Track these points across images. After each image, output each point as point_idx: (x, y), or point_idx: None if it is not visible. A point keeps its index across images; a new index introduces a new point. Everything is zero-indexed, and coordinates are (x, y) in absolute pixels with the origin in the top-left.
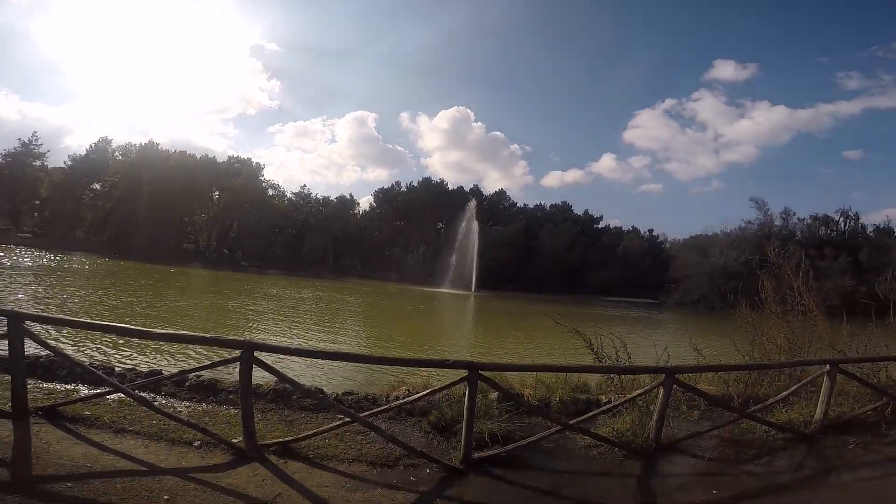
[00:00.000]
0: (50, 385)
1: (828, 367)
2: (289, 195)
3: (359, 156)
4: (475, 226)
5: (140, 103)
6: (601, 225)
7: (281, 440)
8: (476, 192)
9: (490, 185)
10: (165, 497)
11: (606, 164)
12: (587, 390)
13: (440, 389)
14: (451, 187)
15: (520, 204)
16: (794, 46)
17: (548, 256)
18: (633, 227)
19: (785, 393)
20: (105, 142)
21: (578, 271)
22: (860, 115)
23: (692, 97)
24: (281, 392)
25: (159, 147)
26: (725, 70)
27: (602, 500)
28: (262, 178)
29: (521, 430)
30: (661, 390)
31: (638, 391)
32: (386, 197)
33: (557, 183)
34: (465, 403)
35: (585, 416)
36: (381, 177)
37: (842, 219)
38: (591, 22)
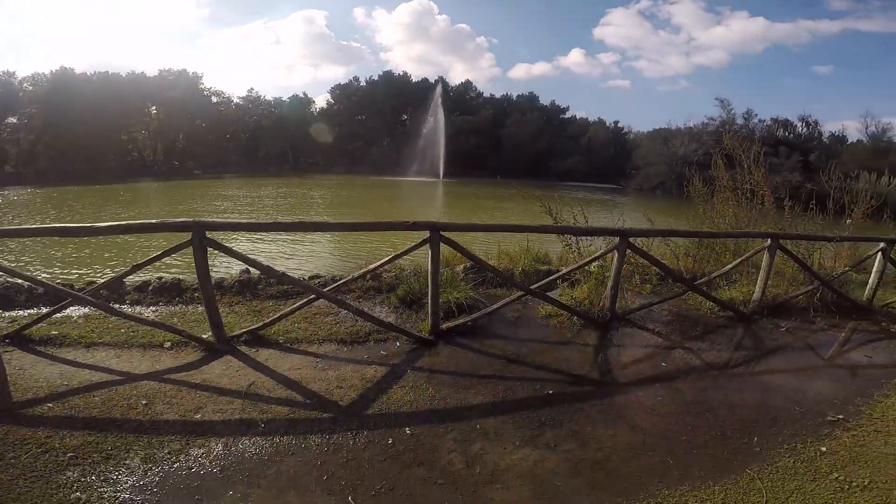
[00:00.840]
0: (11, 313)
1: (769, 241)
2: (236, 100)
3: (310, 55)
4: (441, 114)
5: (44, 30)
6: (567, 115)
7: (250, 328)
8: (441, 83)
9: (456, 77)
10: (143, 402)
11: (575, 58)
12: (548, 261)
13: (403, 253)
14: (414, 80)
15: (486, 94)
16: None
17: (514, 144)
18: (598, 118)
19: (729, 266)
20: (7, 75)
21: (544, 159)
22: (839, 35)
23: (669, 0)
24: (246, 283)
25: (74, 72)
26: None
27: (563, 369)
28: (203, 87)
29: (487, 300)
30: (616, 254)
31: (594, 255)
32: (344, 93)
33: (525, 75)
34: (429, 267)
35: (545, 281)
36: (337, 74)
37: (801, 124)
38: None
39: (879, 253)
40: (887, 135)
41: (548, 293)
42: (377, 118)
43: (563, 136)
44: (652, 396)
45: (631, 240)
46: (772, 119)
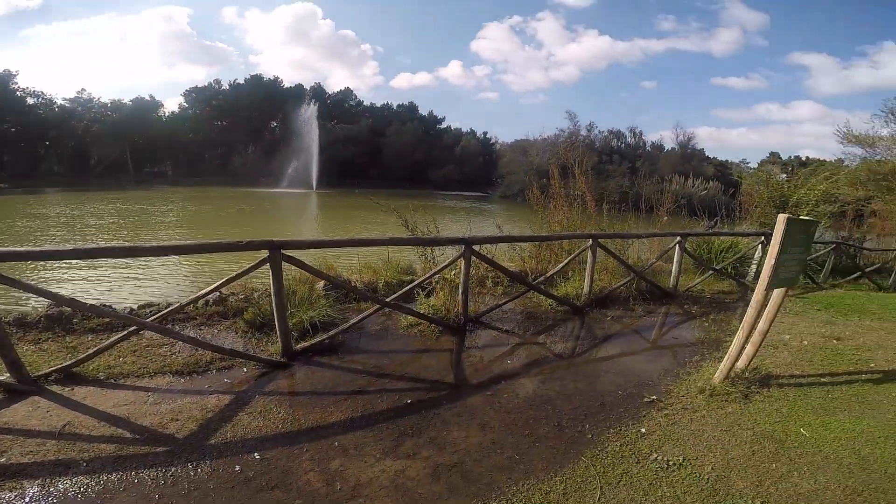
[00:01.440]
0: None
1: (590, 241)
2: (60, 102)
3: (165, 54)
4: (315, 121)
5: None
6: (443, 126)
7: (61, 366)
8: (318, 90)
9: (336, 84)
10: None
11: (454, 70)
12: (412, 272)
13: (236, 277)
14: (287, 85)
15: (367, 103)
16: None
17: (393, 154)
18: (470, 129)
19: (561, 265)
20: None
21: (421, 168)
22: (663, 53)
23: (537, 16)
24: (56, 317)
25: None
26: None
27: (422, 376)
28: (17, 87)
29: (350, 315)
30: (463, 261)
31: (444, 264)
32: (202, 96)
33: (407, 85)
34: (272, 287)
35: (401, 293)
36: (197, 75)
37: (630, 134)
38: None
39: (677, 245)
40: (692, 143)
41: (409, 303)
42: (241, 124)
43: (440, 145)
44: (500, 394)
45: (476, 247)
46: (608, 130)
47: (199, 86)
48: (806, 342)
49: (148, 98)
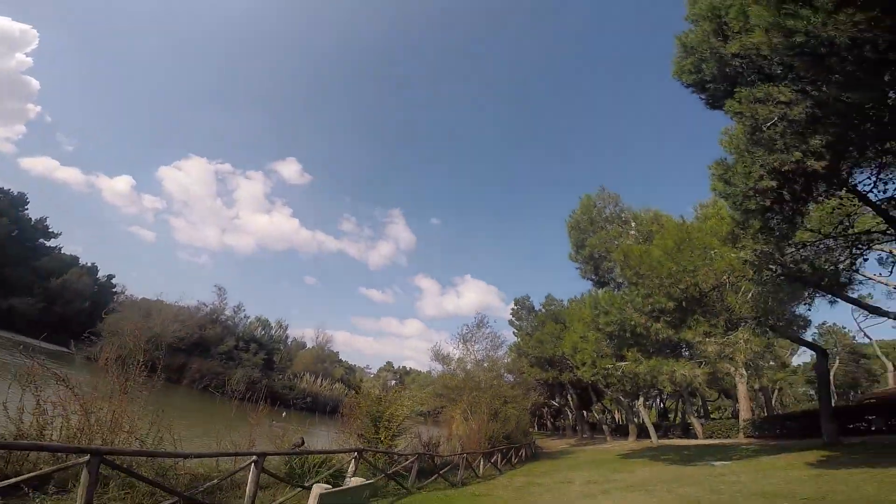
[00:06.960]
0: None
1: (88, 456)
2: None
3: None
4: None
5: None
6: None
7: None
8: None
9: None
10: None
11: None
12: None
13: None
14: None
15: None
16: None
17: None
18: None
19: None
20: None
21: None
22: (334, 254)
23: (247, 174)
24: None
25: None
26: None
27: None
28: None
29: None
30: None
31: None
32: None
33: None
34: None
35: None
36: None
37: (276, 326)
38: None
39: (252, 464)
40: (329, 345)
41: None
42: None
43: None
44: None
45: None
46: (256, 317)
47: None
48: None
49: None
